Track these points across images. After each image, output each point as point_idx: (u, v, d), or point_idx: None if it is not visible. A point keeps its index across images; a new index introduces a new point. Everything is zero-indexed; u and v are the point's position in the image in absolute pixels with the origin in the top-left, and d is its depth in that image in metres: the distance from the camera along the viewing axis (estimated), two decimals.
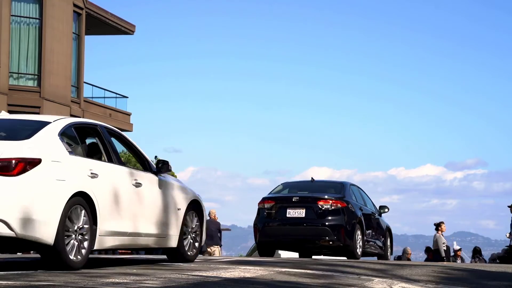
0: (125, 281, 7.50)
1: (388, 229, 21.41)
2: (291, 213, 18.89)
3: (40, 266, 9.30)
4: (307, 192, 19.31)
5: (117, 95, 39.88)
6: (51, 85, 33.29)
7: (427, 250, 26.57)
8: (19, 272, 8.40)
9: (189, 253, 11.69)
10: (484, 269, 12.67)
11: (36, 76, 33.04)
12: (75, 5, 34.83)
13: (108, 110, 38.51)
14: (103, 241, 9.83)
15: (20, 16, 32.86)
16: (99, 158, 10.29)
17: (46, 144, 9.22)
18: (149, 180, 10.91)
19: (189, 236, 11.76)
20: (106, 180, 9.85)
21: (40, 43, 32.96)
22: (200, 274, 8.70)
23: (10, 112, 33.75)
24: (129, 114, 40.16)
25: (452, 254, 25.78)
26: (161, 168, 11.18)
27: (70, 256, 9.11)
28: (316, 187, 19.76)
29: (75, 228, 9.21)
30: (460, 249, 26.60)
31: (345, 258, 18.44)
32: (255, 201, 18.40)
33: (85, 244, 9.36)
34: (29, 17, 33.07)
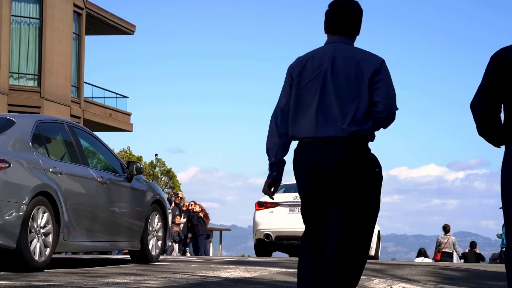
0: (125, 281, 7.50)
1: None
2: None
3: None
4: None
5: (117, 95, 39.88)
6: (51, 85, 33.30)
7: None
8: (19, 272, 8.40)
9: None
10: (485, 269, 12.67)
11: (36, 76, 33.05)
12: (75, 5, 34.84)
13: (108, 110, 38.51)
14: None
15: (20, 16, 32.87)
16: None
17: None
18: None
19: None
20: None
21: (40, 43, 32.96)
22: (200, 274, 8.71)
23: (10, 112, 33.69)
24: (129, 114, 40.17)
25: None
26: None
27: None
28: None
29: None
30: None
31: None
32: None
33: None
34: (29, 17, 33.07)
